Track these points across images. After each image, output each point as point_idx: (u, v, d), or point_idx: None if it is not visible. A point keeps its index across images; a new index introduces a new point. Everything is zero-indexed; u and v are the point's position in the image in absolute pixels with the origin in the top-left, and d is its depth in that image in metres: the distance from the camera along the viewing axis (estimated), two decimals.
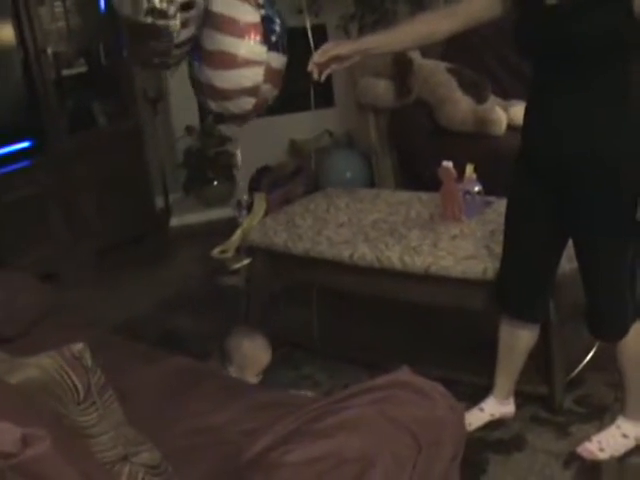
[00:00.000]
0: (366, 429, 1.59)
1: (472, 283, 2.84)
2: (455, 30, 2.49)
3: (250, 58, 3.28)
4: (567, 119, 2.29)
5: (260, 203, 4.99)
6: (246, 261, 4.10)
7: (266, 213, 4.87)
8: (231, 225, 4.93)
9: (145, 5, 2.75)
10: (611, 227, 2.33)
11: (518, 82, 4.74)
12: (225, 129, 5.51)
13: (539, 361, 2.89)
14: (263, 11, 3.32)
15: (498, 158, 4.20)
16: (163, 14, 2.73)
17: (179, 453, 1.88)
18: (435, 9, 2.51)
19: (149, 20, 2.76)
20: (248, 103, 3.33)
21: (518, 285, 2.62)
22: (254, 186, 5.32)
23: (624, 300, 2.41)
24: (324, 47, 2.54)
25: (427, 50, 4.86)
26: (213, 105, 3.38)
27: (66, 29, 4.88)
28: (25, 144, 4.63)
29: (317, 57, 2.52)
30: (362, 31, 5.34)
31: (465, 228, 3.14)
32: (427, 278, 2.94)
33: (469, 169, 3.27)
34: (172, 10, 2.77)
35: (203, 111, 5.58)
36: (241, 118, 3.43)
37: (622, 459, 2.58)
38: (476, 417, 2.80)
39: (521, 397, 2.91)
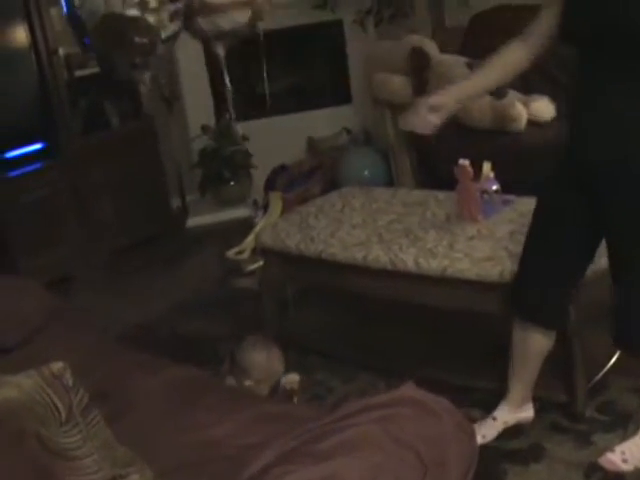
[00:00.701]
0: (368, 449, 1.50)
1: (489, 286, 2.73)
2: (536, 53, 2.39)
3: None
4: (613, 115, 2.18)
5: (276, 203, 4.92)
6: (261, 262, 4.02)
7: (282, 213, 4.82)
8: (248, 225, 4.87)
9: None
10: None
11: (540, 76, 4.63)
12: (241, 128, 5.45)
13: (559, 365, 2.77)
14: None
15: (518, 155, 4.11)
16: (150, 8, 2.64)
17: (179, 468, 1.81)
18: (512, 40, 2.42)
19: (135, 14, 2.67)
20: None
21: (540, 289, 2.50)
22: (270, 185, 5.24)
23: None
24: (429, 103, 2.44)
25: (445, 44, 4.76)
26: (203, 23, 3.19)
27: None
28: (38, 146, 4.61)
29: (422, 116, 2.44)
30: (378, 27, 5.25)
31: (482, 228, 3.03)
32: (443, 281, 2.83)
33: (486, 167, 3.16)
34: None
35: (219, 110, 5.54)
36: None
37: None
38: (489, 427, 2.69)
39: (540, 404, 2.80)
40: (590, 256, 2.45)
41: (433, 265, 2.83)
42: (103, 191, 4.93)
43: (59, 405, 1.35)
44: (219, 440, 1.88)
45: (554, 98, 4.35)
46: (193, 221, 5.54)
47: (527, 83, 4.60)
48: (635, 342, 2.39)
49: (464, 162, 3.11)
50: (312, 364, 3.33)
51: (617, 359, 2.96)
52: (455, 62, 4.58)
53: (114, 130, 5.08)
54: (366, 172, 5.12)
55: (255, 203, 5.18)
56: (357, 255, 3.02)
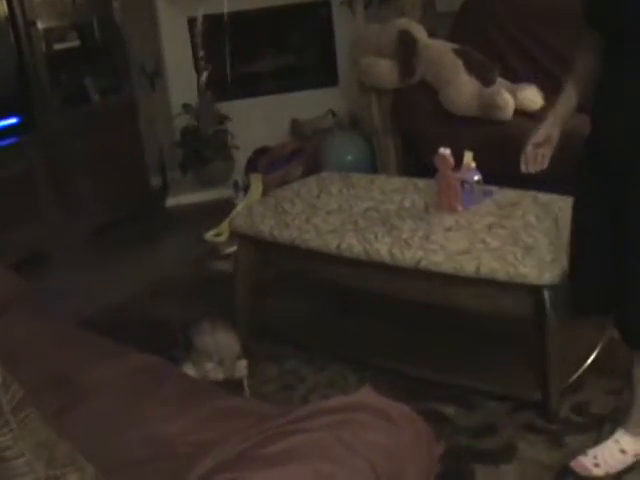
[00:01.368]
0: (319, 457, 1.41)
1: (464, 280, 2.65)
2: (600, 52, 2.27)
3: None
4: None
5: (256, 185, 4.83)
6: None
7: (263, 195, 4.72)
8: (229, 206, 4.78)
9: None
10: None
11: (529, 65, 4.55)
12: (225, 108, 5.35)
13: (534, 364, 2.70)
14: None
15: (504, 144, 4.01)
16: None
17: (125, 466, 1.73)
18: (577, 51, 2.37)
19: None
20: None
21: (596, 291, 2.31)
22: (251, 167, 5.14)
23: None
24: (533, 142, 2.42)
25: (434, 29, 4.66)
26: None
27: (58, 2, 4.70)
28: (14, 120, 4.48)
29: (532, 154, 2.43)
30: (367, 9, 5.14)
31: (461, 219, 2.94)
32: (417, 273, 2.75)
33: (467, 157, 3.07)
34: None
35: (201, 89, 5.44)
36: None
37: (618, 477, 2.38)
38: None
39: (514, 402, 2.73)
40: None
41: (407, 256, 2.74)
42: (81, 168, 4.82)
43: None
44: (171, 437, 1.79)
45: (542, 87, 4.26)
46: (173, 200, 5.45)
47: (515, 71, 4.52)
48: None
49: (444, 151, 3.02)
50: (284, 353, 3.25)
51: (595, 357, 2.89)
52: (443, 48, 4.49)
53: (94, 105, 4.96)
54: (350, 157, 5.02)
55: (236, 184, 5.08)
56: (331, 243, 2.93)
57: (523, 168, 2.48)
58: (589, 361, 2.88)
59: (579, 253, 2.36)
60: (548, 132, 2.42)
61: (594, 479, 2.37)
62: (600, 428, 2.59)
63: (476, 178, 3.08)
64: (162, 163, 5.53)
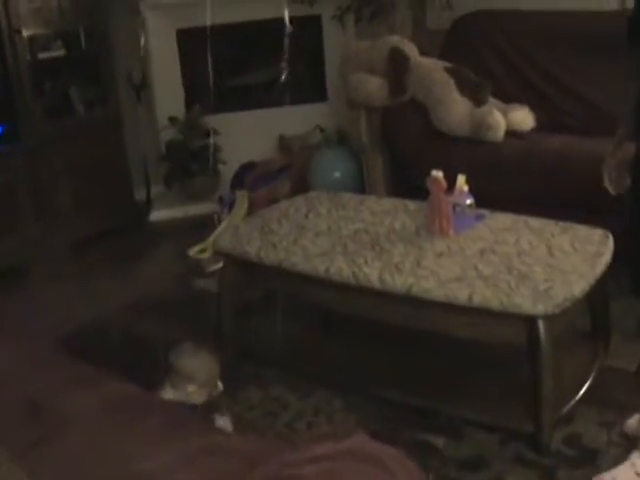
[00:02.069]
0: None
1: (456, 309, 2.58)
2: None
3: None
4: None
5: (242, 202, 4.74)
6: (222, 264, 3.85)
7: (248, 212, 4.64)
8: (214, 222, 4.69)
9: None
10: None
11: (521, 85, 4.49)
12: (212, 121, 5.27)
13: (525, 394, 2.63)
14: None
15: (494, 166, 3.96)
16: None
17: None
18: None
19: None
20: None
21: None
22: (237, 182, 5.06)
23: None
24: (608, 169, 2.46)
25: (425, 47, 4.60)
26: None
27: (44, 10, 4.61)
28: None
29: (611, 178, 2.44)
30: (358, 24, 5.08)
31: (453, 244, 2.88)
32: (407, 299, 2.68)
33: (460, 180, 3.00)
34: None
35: (189, 102, 5.36)
36: None
37: None
38: None
39: (504, 434, 2.66)
40: None
41: (398, 282, 2.67)
42: (64, 180, 4.74)
43: None
44: (152, 474, 1.71)
45: (534, 108, 4.20)
46: (157, 214, 5.35)
47: (506, 91, 4.47)
48: None
49: (437, 174, 2.96)
50: (269, 377, 3.17)
51: (586, 389, 2.82)
52: (434, 66, 4.42)
53: (79, 116, 4.88)
54: (337, 174, 4.95)
55: (221, 200, 5.00)
56: (319, 266, 2.85)
57: (610, 189, 2.43)
58: (581, 392, 2.81)
59: None
60: (625, 154, 2.39)
61: None
62: (594, 462, 2.52)
63: (468, 202, 3.02)
64: (147, 176, 5.43)
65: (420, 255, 2.80)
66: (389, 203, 3.42)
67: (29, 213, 4.57)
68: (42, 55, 4.63)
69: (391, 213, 3.25)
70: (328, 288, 2.88)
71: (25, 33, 4.46)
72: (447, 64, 4.40)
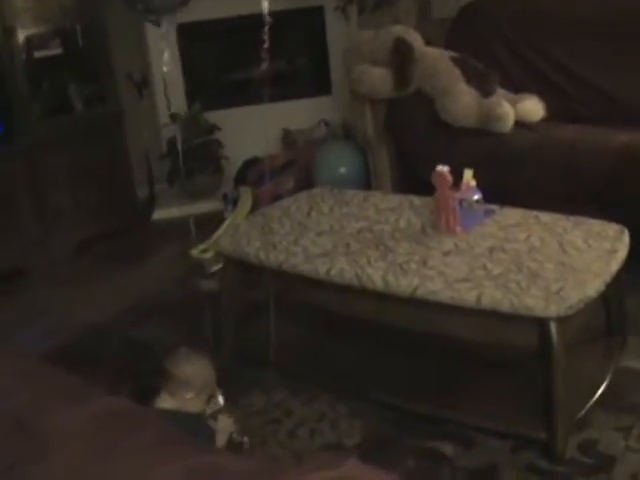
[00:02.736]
0: None
1: (464, 311, 2.46)
2: None
3: None
4: None
5: (246, 199, 4.64)
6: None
7: (253, 209, 4.53)
8: (218, 219, 4.59)
9: None
10: None
11: (530, 75, 4.36)
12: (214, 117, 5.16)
13: (538, 400, 2.51)
14: None
15: (503, 157, 3.83)
16: None
17: None
18: None
19: None
20: None
21: None
22: (241, 179, 4.95)
23: None
24: None
25: (430, 36, 4.47)
26: None
27: (40, 8, 4.52)
28: None
29: None
30: (361, 15, 4.96)
31: (460, 242, 2.76)
32: (413, 301, 2.55)
33: (467, 175, 2.88)
34: None
35: (191, 98, 5.25)
36: None
37: None
38: None
39: (516, 442, 2.53)
40: None
41: (402, 284, 2.55)
42: (64, 180, 4.65)
43: None
44: None
45: (543, 97, 4.07)
46: (160, 213, 5.25)
47: (514, 81, 4.33)
48: None
49: (442, 168, 2.83)
50: (271, 382, 3.06)
51: (601, 393, 2.70)
52: (440, 56, 4.28)
53: (78, 115, 4.78)
54: (343, 169, 4.82)
55: (225, 197, 4.90)
56: (320, 268, 2.74)
57: None
58: (596, 396, 2.68)
59: None
60: None
61: None
62: (610, 469, 2.40)
63: (476, 197, 2.89)
64: (150, 174, 5.33)
65: (426, 254, 2.68)
66: (394, 199, 3.29)
67: (29, 214, 4.48)
68: (39, 53, 4.54)
69: (396, 210, 3.13)
70: (330, 290, 2.77)
71: (21, 31, 4.38)
72: (453, 54, 4.27)
